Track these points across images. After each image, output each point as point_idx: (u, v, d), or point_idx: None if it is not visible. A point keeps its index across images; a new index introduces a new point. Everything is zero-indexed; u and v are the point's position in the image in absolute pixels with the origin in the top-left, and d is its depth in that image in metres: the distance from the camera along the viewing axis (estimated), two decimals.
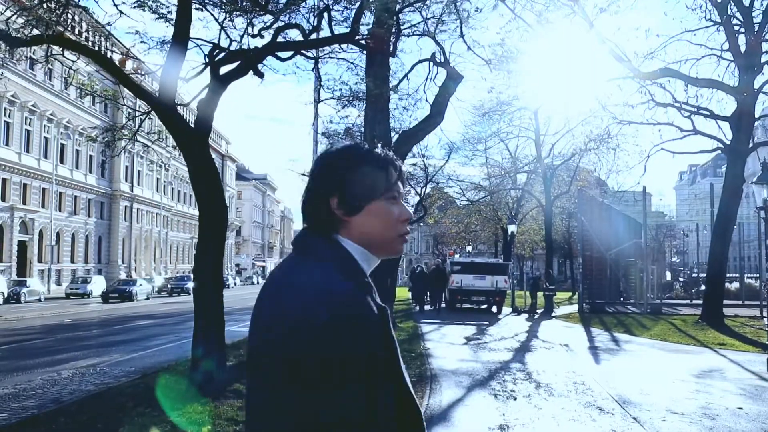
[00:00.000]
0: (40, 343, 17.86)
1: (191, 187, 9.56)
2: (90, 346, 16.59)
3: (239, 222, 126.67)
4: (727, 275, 26.99)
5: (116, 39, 12.81)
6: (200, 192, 9.15)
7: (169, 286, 59.06)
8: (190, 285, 48.29)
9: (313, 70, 13.13)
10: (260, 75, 10.58)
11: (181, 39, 8.51)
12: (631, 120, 25.06)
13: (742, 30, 22.31)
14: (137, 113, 12.32)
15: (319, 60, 13.71)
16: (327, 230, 1.53)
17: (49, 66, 15.98)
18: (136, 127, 12.78)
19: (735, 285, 34.89)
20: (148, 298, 49.47)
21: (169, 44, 9.15)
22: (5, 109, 50.93)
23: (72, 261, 63.03)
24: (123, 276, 68.97)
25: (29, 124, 54.08)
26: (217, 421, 7.26)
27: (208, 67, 9.41)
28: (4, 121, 51.00)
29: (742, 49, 22.06)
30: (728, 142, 22.74)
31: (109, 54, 10.87)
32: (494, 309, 28.46)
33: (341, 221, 1.53)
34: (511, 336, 18.09)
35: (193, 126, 9.28)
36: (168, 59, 8.87)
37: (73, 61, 11.11)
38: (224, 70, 9.43)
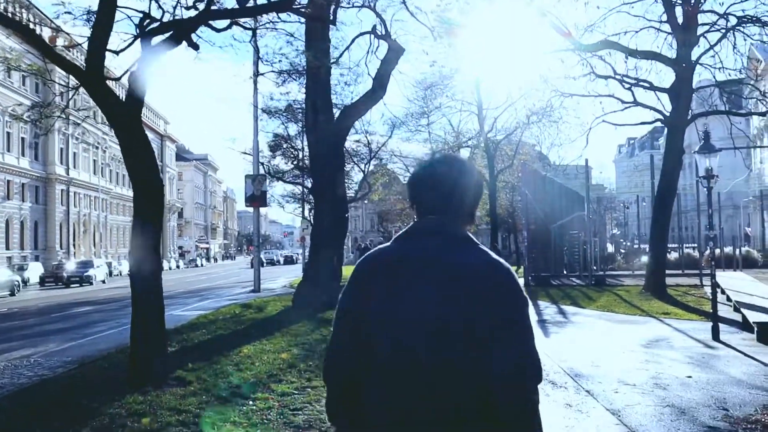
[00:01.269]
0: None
1: (124, 164, 9.06)
2: (25, 336, 15.91)
3: (181, 204, 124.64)
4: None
5: (38, 9, 12.05)
6: (133, 169, 8.66)
7: (63, 274, 47.71)
8: (94, 272, 47.88)
9: (251, 41, 12.63)
10: (195, 47, 10.09)
11: (107, 6, 8.01)
12: (572, 93, 25.13)
13: (680, 1, 22.48)
14: (66, 89, 11.62)
15: (257, 31, 13.22)
16: (469, 224, 2.17)
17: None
18: (65, 104, 12.10)
19: (674, 255, 35.52)
20: (104, 281, 48.98)
21: (94, 14, 8.60)
22: None
23: (7, 248, 61.03)
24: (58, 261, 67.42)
25: None
26: (158, 411, 6.90)
27: (139, 39, 8.89)
28: None
29: (680, 21, 22.24)
30: (668, 114, 22.98)
31: (32, 27, 10.22)
32: None
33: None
34: None
35: (124, 100, 8.76)
36: (94, 29, 8.33)
37: None
38: (156, 41, 8.92)
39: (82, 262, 51.70)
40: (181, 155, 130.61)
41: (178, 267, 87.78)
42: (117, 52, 9.26)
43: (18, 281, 38.48)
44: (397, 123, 36.03)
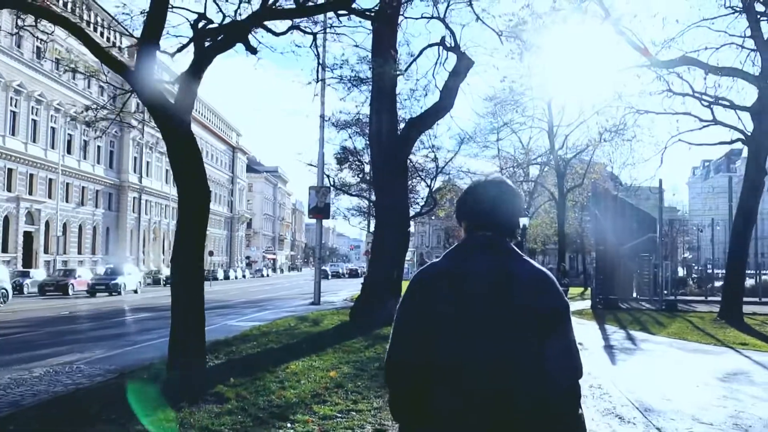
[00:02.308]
0: (27, 336, 17.19)
1: (171, 168, 8.79)
2: (77, 341, 15.90)
3: (250, 214, 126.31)
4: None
5: (101, 7, 11.97)
6: (180, 175, 8.39)
7: (88, 281, 42.42)
8: (122, 281, 41.36)
9: (311, 46, 12.32)
10: (253, 51, 9.83)
11: (158, 5, 7.77)
12: (648, 110, 24.18)
13: (765, 17, 21.41)
14: (123, 92, 11.49)
15: (319, 36, 12.91)
16: (513, 238, 2.41)
17: (56, 56, 15.32)
18: (121, 106, 11.99)
19: (751, 281, 33.92)
20: (136, 291, 43.36)
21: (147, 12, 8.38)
22: (11, 98, 50.43)
23: (79, 252, 62.54)
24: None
25: (36, 114, 53.51)
26: (189, 430, 6.52)
27: (194, 41, 8.65)
28: (11, 111, 50.49)
29: (766, 36, 21.15)
30: (749, 134, 21.87)
31: (92, 27, 10.13)
32: None
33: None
34: None
35: (174, 102, 8.51)
36: (145, 27, 8.11)
37: (48, 32, 10.35)
38: (210, 43, 8.66)
39: (111, 269, 45.93)
40: (252, 167, 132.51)
41: (244, 276, 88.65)
42: (172, 54, 9.04)
43: (6, 290, 31.26)
44: (465, 138, 35.36)
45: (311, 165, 32.14)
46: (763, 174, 21.43)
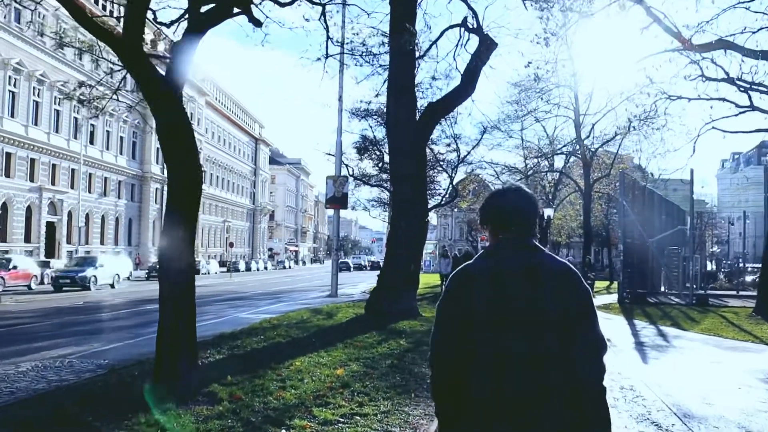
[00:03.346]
0: (28, 328, 16.60)
1: (160, 146, 8.02)
2: (80, 332, 15.26)
3: (272, 206, 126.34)
4: None
5: None
6: (170, 152, 7.63)
7: (49, 274, 37.76)
8: (92, 274, 35.28)
9: (319, 19, 11.46)
10: (257, 23, 9.06)
11: None
12: (680, 95, 23.02)
13: None
14: (120, 68, 10.74)
15: (331, 9, 12.05)
16: (534, 237, 2.70)
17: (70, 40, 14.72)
18: (117, 85, 11.28)
19: None
20: (112, 285, 37.33)
21: None
22: (34, 88, 50.24)
23: (102, 243, 62.50)
24: (153, 259, 68.66)
25: (59, 104, 53.23)
26: None
27: (189, 10, 7.90)
28: (33, 101, 50.31)
29: None
30: None
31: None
32: None
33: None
34: None
35: (165, 74, 7.76)
36: None
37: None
38: (206, 9, 7.90)
39: (80, 260, 40.00)
40: (275, 159, 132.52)
41: (266, 268, 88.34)
42: (168, 25, 8.31)
43: (118, 275, 33.64)
44: (489, 127, 34.35)
45: (330, 154, 31.40)
46: None
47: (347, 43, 11.74)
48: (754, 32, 21.66)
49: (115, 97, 11.53)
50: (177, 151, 7.57)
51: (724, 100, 22.10)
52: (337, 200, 27.81)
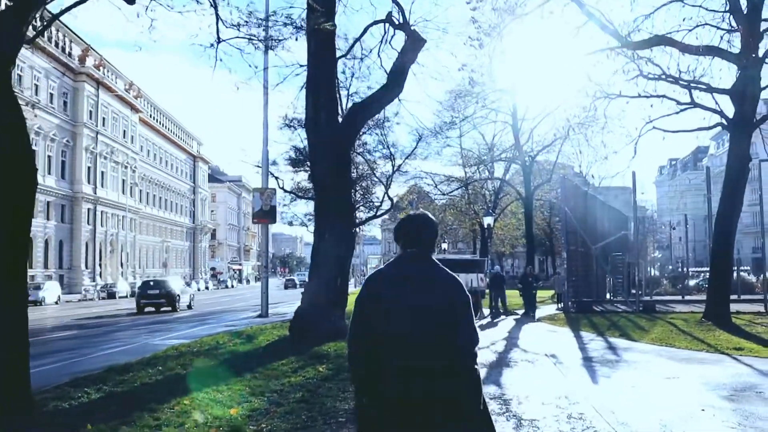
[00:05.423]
0: None
1: None
2: None
3: (213, 225, 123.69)
4: None
5: None
6: None
7: None
8: None
9: None
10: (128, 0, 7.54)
11: None
12: (620, 93, 22.08)
13: None
14: None
15: None
16: (432, 252, 3.53)
17: None
18: None
19: None
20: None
21: None
22: None
23: (30, 266, 59.34)
24: (87, 281, 65.70)
25: None
26: None
27: None
28: None
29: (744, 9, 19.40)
30: (730, 117, 20.06)
31: None
32: None
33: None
34: (487, 345, 14.98)
35: None
36: None
37: None
38: None
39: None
40: (215, 177, 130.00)
41: (207, 288, 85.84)
42: None
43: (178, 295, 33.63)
44: (424, 134, 32.99)
45: (258, 166, 29.63)
46: (747, 159, 19.60)
47: (243, 25, 10.13)
48: (690, 30, 20.93)
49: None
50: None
51: (665, 97, 21.27)
52: (265, 214, 25.94)
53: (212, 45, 10.80)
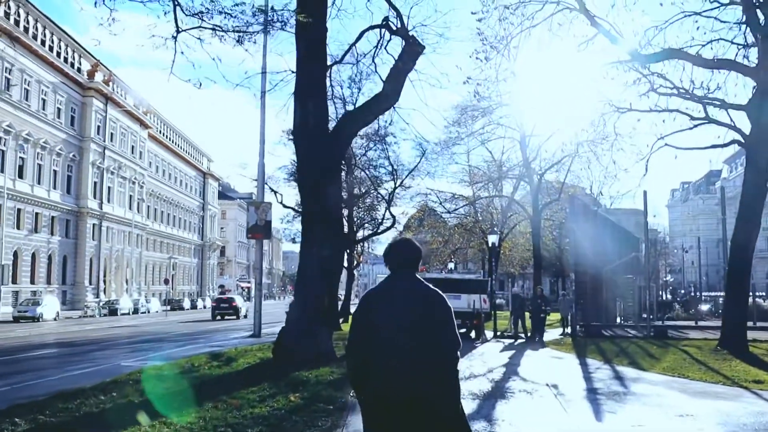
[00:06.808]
0: None
1: None
2: None
3: (222, 242, 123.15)
4: None
5: None
6: None
7: None
8: None
9: None
10: None
11: None
12: (631, 107, 21.08)
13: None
14: None
15: None
16: (417, 271, 4.16)
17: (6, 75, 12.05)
18: None
19: None
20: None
21: None
22: None
23: (32, 282, 58.68)
24: (90, 297, 64.81)
25: None
26: None
27: None
28: None
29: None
30: (747, 134, 19.04)
31: None
32: (472, 334, 24.04)
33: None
34: (484, 373, 13.88)
35: None
36: None
37: None
38: None
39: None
40: (225, 194, 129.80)
41: (204, 306, 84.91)
42: None
43: None
44: (428, 150, 32.02)
45: (255, 180, 28.67)
46: (765, 179, 18.49)
47: (205, 13, 9.16)
48: (703, 45, 19.97)
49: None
50: None
51: (678, 111, 20.26)
52: (260, 229, 24.80)
53: (173, 36, 9.84)
